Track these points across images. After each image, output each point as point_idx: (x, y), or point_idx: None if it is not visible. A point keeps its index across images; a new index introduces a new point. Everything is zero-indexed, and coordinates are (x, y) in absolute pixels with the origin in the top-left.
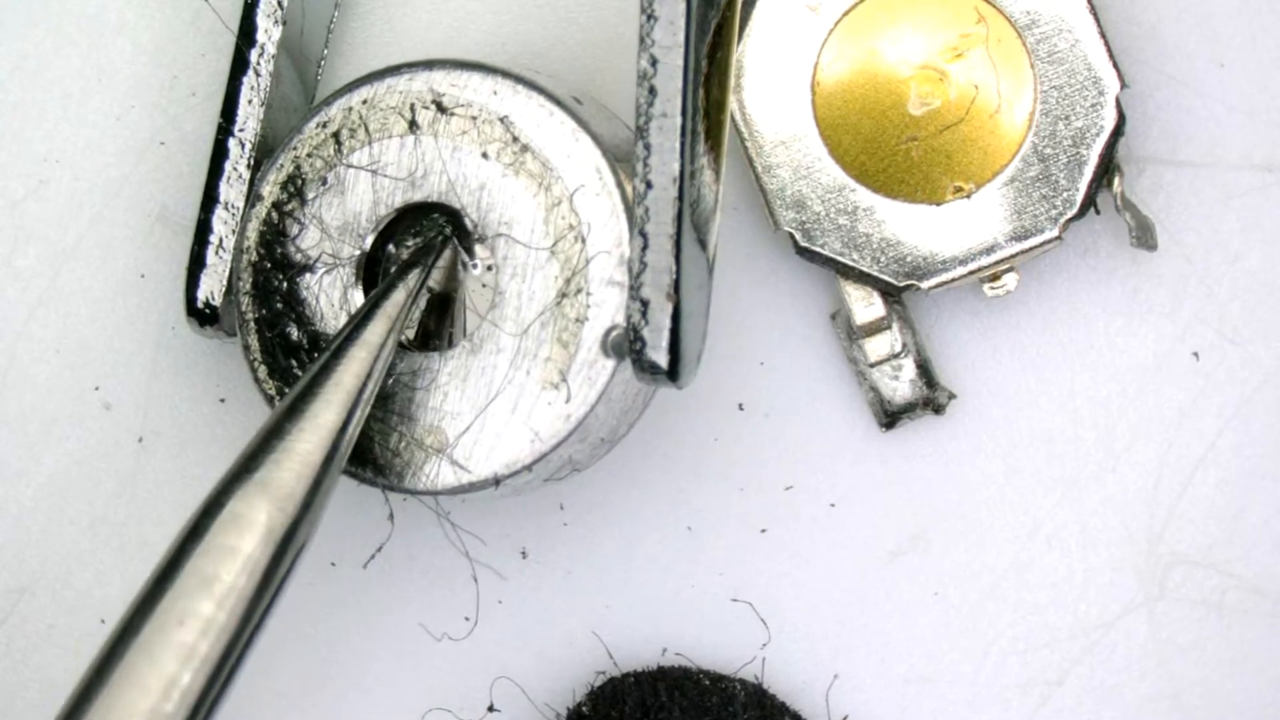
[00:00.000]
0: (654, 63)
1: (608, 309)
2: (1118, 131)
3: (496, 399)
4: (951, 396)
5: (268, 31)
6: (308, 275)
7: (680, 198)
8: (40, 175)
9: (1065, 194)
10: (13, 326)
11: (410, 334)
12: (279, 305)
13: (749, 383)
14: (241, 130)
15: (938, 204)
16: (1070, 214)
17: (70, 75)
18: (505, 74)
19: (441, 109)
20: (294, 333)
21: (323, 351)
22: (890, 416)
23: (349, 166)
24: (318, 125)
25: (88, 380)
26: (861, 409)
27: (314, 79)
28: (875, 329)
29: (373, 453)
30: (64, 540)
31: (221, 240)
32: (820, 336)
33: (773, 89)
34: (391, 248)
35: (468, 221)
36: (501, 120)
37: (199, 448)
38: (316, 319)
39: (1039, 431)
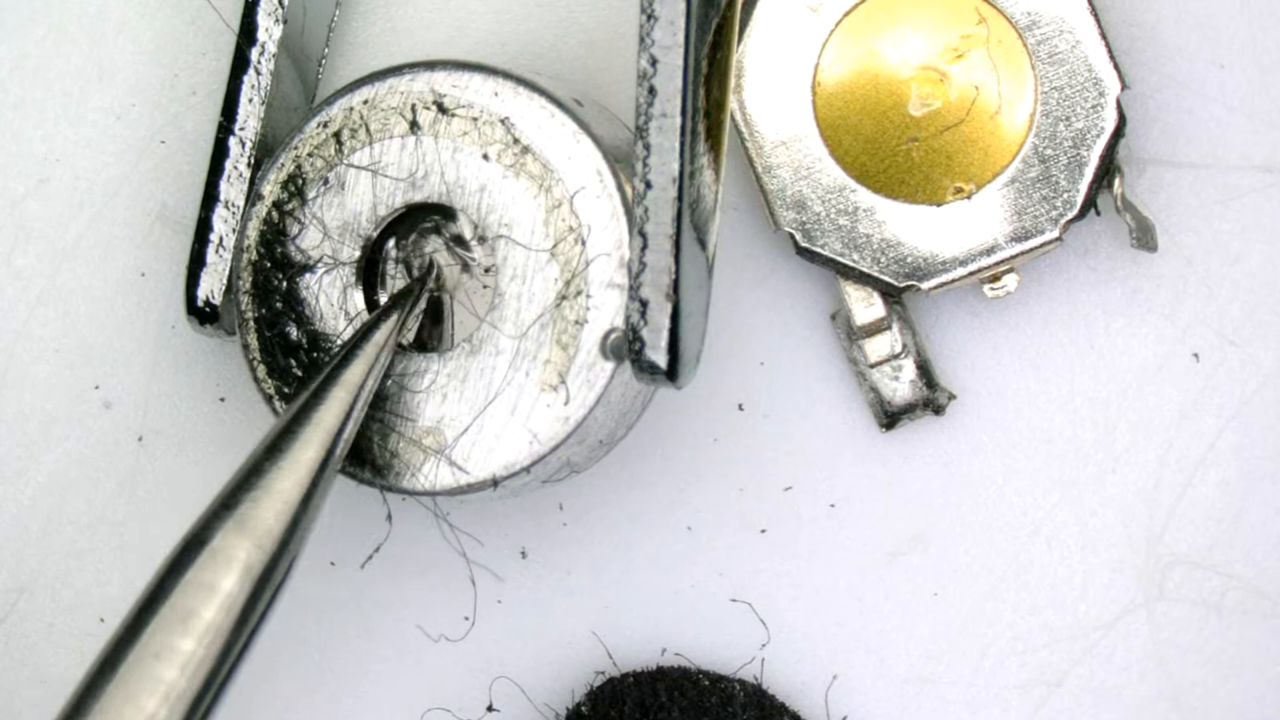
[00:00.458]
0: (654, 63)
1: (607, 311)
2: (1118, 133)
3: (495, 400)
4: (951, 397)
5: (269, 30)
6: (307, 275)
7: (680, 198)
8: (40, 174)
9: (1066, 195)
10: (12, 325)
11: (409, 336)
12: (278, 305)
13: (749, 383)
14: (242, 129)
15: (938, 205)
16: (1070, 215)
17: (71, 74)
18: (506, 75)
19: (443, 110)
20: (293, 332)
21: (303, 390)
22: (890, 417)
23: (350, 166)
24: (319, 125)
25: (87, 379)
26: (861, 409)
27: (315, 78)
28: (875, 329)
29: (371, 453)
30: (63, 539)
31: (222, 239)
32: (820, 337)
33: (773, 89)
34: (392, 248)
35: (468, 223)
36: (502, 122)
37: (199, 447)
38: (316, 319)
39: (1039, 432)
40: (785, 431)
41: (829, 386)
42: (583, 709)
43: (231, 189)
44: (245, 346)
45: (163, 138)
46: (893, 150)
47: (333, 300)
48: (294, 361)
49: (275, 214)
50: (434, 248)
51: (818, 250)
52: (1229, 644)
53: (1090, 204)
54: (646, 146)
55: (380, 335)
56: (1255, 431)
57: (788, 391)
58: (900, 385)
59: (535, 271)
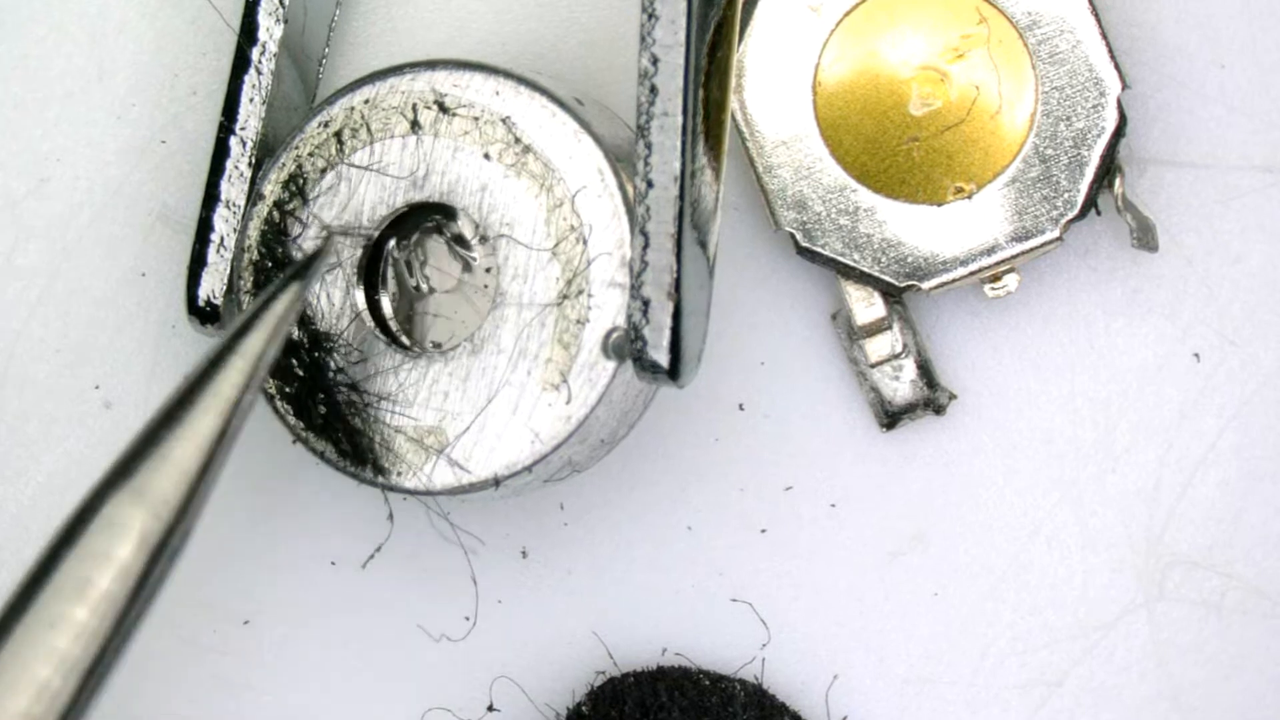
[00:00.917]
0: (655, 61)
1: (609, 310)
2: (1119, 132)
3: (497, 400)
4: (952, 397)
5: (269, 30)
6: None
7: (681, 196)
8: (41, 174)
9: (1066, 195)
10: (13, 325)
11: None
12: None
13: (749, 383)
14: (243, 129)
15: (939, 204)
16: (1071, 215)
17: (71, 74)
18: (507, 74)
19: (443, 109)
20: (294, 332)
21: (201, 361)
22: (891, 417)
23: (351, 166)
24: (320, 124)
25: (88, 379)
26: (862, 409)
27: (315, 78)
28: (876, 329)
29: (372, 452)
30: None
31: (223, 239)
32: (821, 337)
33: (774, 89)
34: (393, 247)
35: (469, 222)
36: (504, 121)
37: None
38: (317, 318)
39: (1039, 432)
40: (786, 431)
41: (830, 386)
42: (583, 709)
43: (232, 189)
44: None
45: (163, 137)
46: (893, 150)
47: (334, 300)
48: (295, 361)
49: (276, 214)
50: (432, 245)
51: (818, 250)
52: (1229, 644)
53: (1091, 204)
54: (648, 145)
55: (280, 306)
56: (1255, 431)
57: (788, 391)
58: (901, 385)
59: (537, 271)
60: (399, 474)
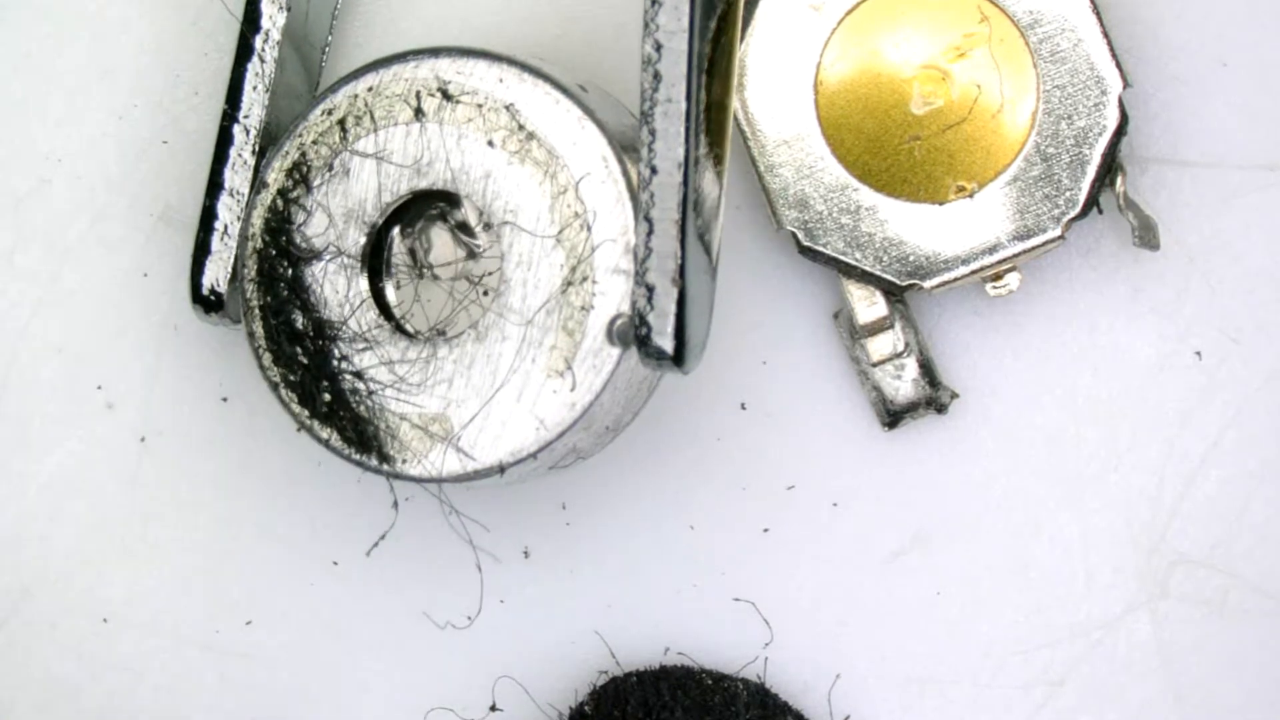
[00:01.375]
0: (658, 48)
1: (613, 297)
2: (1120, 131)
3: (502, 387)
4: (954, 396)
5: (272, 17)
6: (313, 263)
7: (685, 183)
8: (43, 174)
9: (1068, 193)
10: (15, 325)
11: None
12: (284, 292)
13: (751, 382)
14: (246, 117)
15: (940, 203)
16: (1073, 213)
17: (73, 74)
18: (511, 61)
19: (447, 96)
20: (299, 320)
21: None
22: (893, 416)
23: (354, 154)
24: (323, 112)
25: (90, 380)
26: (864, 408)
27: (318, 66)
28: (878, 328)
29: (377, 440)
30: (66, 540)
31: (227, 227)
32: (823, 336)
33: (775, 88)
34: (397, 235)
35: (473, 210)
36: (507, 108)
37: (201, 447)
38: (321, 306)
39: (1041, 431)
40: (788, 430)
41: (831, 385)
42: (586, 708)
43: (236, 177)
44: (251, 334)
45: (165, 137)
46: (895, 149)
47: (338, 288)
48: (300, 349)
49: (280, 202)
50: (436, 233)
51: (820, 249)
52: (1232, 643)
53: (1092, 202)
54: (652, 132)
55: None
56: (1258, 430)
57: (790, 390)
58: (903, 384)
59: (541, 258)
60: (404, 461)
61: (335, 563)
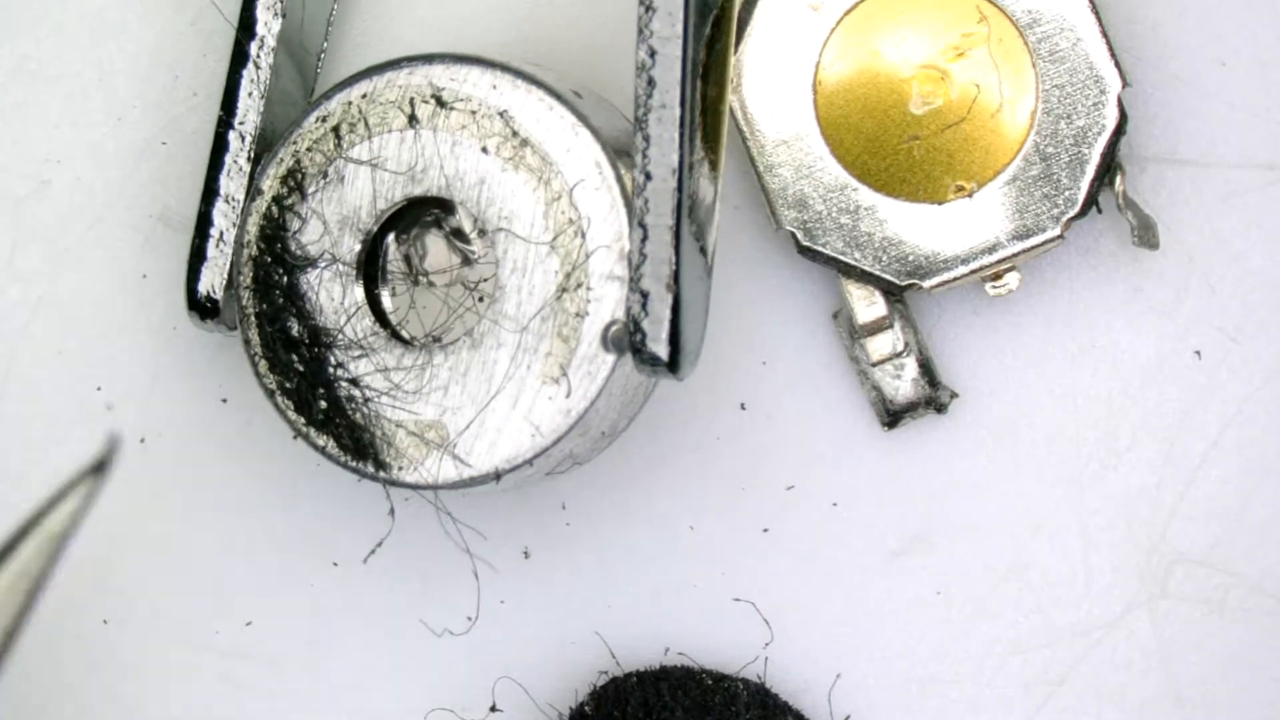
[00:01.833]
0: (652, 54)
1: (608, 303)
2: (1119, 130)
3: (497, 394)
4: (954, 395)
5: (267, 24)
6: (308, 270)
7: (679, 189)
8: (42, 175)
9: (1067, 193)
10: (14, 327)
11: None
12: (279, 300)
13: (751, 382)
14: (242, 123)
15: (939, 203)
16: (1072, 213)
17: (71, 75)
18: (505, 68)
19: (441, 103)
20: (294, 327)
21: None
22: (892, 416)
23: (349, 161)
24: (317, 119)
25: (89, 381)
26: (863, 408)
27: (314, 73)
28: (877, 328)
29: (373, 447)
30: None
31: (222, 234)
32: (822, 336)
33: (774, 88)
34: (392, 242)
35: (467, 216)
36: (501, 114)
37: (201, 449)
38: (317, 313)
39: (1041, 430)
40: (787, 430)
41: (831, 385)
42: (586, 709)
43: (231, 183)
44: (246, 342)
45: (164, 139)
46: (894, 149)
47: (333, 295)
48: (295, 357)
49: (275, 209)
50: (431, 239)
51: (819, 249)
52: (1232, 642)
53: (1092, 202)
54: (646, 138)
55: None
56: (1258, 429)
57: (790, 390)
58: (902, 384)
59: (535, 264)
60: (400, 468)
61: (335, 564)
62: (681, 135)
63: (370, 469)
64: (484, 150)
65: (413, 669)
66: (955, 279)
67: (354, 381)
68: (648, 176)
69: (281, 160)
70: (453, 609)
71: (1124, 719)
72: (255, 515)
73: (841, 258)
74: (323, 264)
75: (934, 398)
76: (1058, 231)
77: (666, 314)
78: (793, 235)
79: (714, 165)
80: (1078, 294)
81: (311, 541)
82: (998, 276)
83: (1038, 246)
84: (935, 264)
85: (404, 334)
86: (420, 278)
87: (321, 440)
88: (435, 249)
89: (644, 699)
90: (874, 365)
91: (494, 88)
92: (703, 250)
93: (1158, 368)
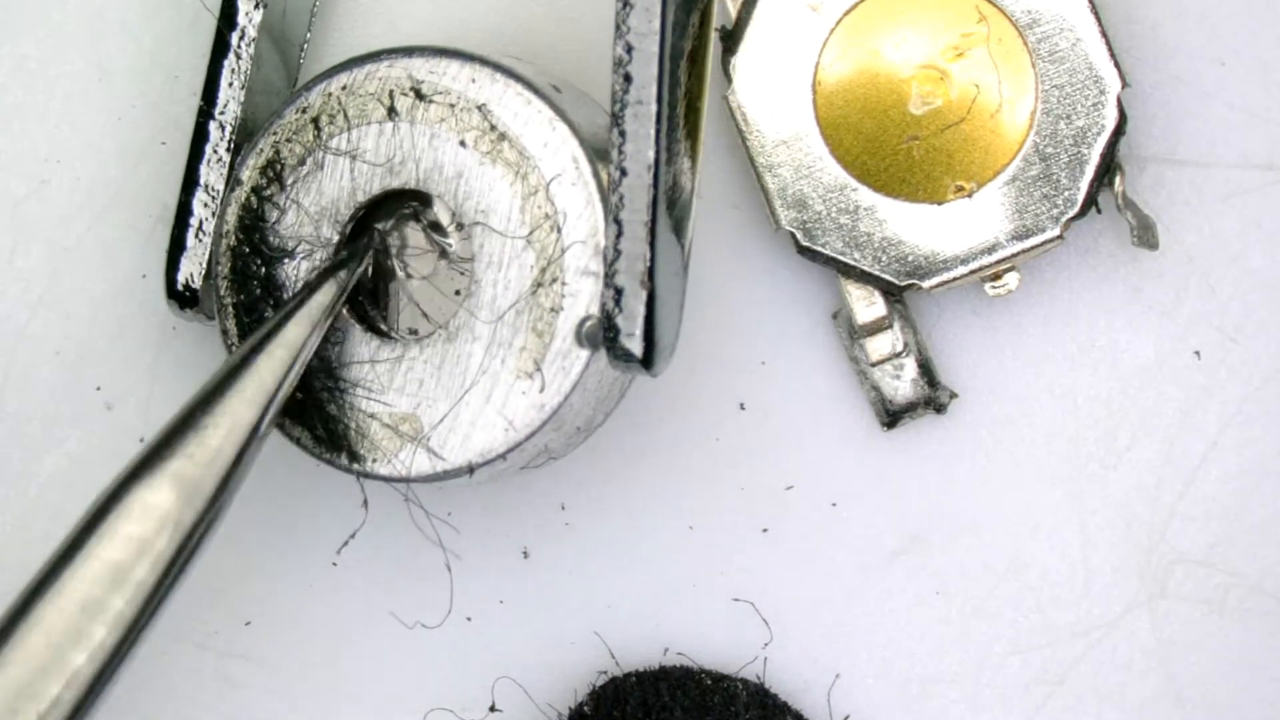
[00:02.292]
0: (629, 50)
1: (583, 299)
2: (1119, 130)
3: (471, 388)
4: (953, 396)
5: (249, 14)
6: (286, 260)
7: (655, 185)
8: (41, 175)
9: (1066, 193)
10: (14, 327)
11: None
12: (257, 290)
13: (750, 382)
14: (222, 113)
15: (939, 203)
16: (1071, 213)
17: (71, 75)
18: (484, 61)
19: (420, 96)
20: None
21: (243, 347)
22: (892, 416)
23: (328, 152)
24: (297, 110)
25: (89, 380)
26: (863, 408)
27: (296, 63)
28: (877, 328)
29: (347, 439)
30: None
31: (201, 224)
32: (822, 336)
33: (774, 88)
34: (371, 234)
35: (444, 209)
36: (479, 108)
37: None
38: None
39: (1040, 430)
40: (787, 431)
41: (830, 385)
42: (585, 709)
43: (211, 173)
44: (224, 332)
45: (163, 139)
46: (893, 149)
47: None
48: None
49: (254, 199)
50: (408, 232)
51: (819, 249)
52: (1231, 642)
53: (1091, 202)
54: (622, 134)
55: (323, 297)
56: (1257, 429)
57: (789, 391)
58: (902, 384)
59: (511, 259)
60: (374, 461)
61: (334, 564)
62: (657, 131)
63: (344, 461)
64: (462, 143)
65: (412, 669)
66: (955, 279)
67: (329, 372)
68: (623, 172)
69: (261, 151)
70: (453, 609)
71: (1124, 719)
72: (255, 515)
73: (841, 258)
74: (301, 255)
75: (933, 398)
76: (1057, 232)
77: (641, 310)
78: (792, 235)
79: (692, 160)
80: (1077, 294)
81: (311, 542)
82: (997, 277)
83: (1037, 247)
84: (935, 264)
85: (380, 326)
86: (397, 270)
87: (296, 431)
88: (413, 242)
89: (643, 699)
90: (873, 365)
91: (473, 81)
92: (679, 246)
93: (1157, 368)
